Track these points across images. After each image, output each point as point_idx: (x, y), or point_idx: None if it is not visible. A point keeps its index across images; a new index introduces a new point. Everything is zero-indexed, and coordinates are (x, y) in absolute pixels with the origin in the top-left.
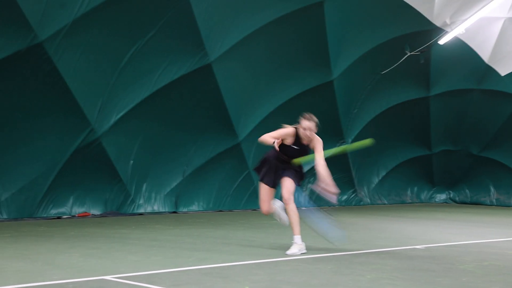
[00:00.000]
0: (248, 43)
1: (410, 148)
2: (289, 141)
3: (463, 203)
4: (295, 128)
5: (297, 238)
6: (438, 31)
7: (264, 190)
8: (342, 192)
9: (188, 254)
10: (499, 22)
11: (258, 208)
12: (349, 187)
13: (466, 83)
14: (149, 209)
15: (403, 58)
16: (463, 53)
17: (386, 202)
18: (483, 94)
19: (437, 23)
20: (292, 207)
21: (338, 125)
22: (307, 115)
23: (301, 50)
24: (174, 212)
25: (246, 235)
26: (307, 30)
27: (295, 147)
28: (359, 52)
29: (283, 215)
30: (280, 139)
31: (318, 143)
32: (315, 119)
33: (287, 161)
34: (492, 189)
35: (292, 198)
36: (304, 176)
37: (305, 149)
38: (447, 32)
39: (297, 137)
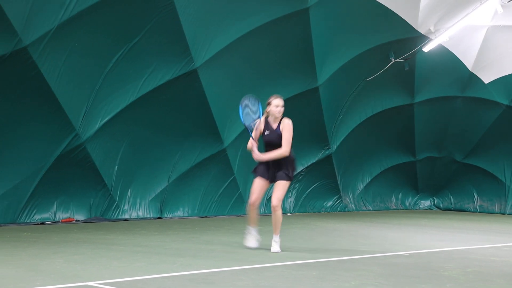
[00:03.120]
0: (234, 48)
1: (394, 154)
2: (262, 130)
3: (447, 209)
4: (264, 116)
5: (278, 237)
6: (423, 38)
7: (256, 182)
8: (327, 199)
9: (173, 260)
10: (483, 30)
11: (244, 214)
12: (334, 193)
13: (450, 91)
14: (133, 215)
15: (388, 65)
16: (447, 60)
17: (371, 209)
18: (467, 101)
19: (422, 30)
20: (279, 213)
21: (323, 131)
22: (273, 95)
23: (286, 56)
24: (159, 218)
25: (231, 241)
26: (292, 37)
27: (266, 132)
28: (344, 58)
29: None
30: (258, 134)
31: (286, 126)
32: (281, 96)
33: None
34: (475, 196)
35: (280, 205)
36: (294, 167)
37: (277, 132)
38: (431, 39)
39: (266, 123)
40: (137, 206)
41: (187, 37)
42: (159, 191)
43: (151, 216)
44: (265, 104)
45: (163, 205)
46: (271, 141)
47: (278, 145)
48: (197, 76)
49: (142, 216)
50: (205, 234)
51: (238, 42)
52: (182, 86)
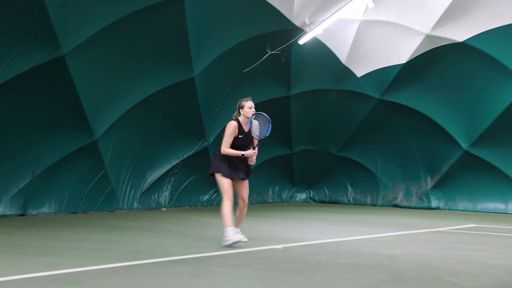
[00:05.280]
0: (106, 35)
1: (271, 147)
2: (236, 134)
3: (322, 202)
4: (235, 119)
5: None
6: (298, 31)
7: (228, 181)
8: (204, 192)
9: (36, 259)
10: (355, 24)
11: (116, 210)
12: (210, 187)
13: (324, 83)
14: None
15: (264, 57)
16: (322, 53)
17: (248, 202)
18: (341, 94)
19: (297, 23)
20: (246, 208)
21: (200, 124)
22: (244, 98)
23: (161, 45)
24: (22, 215)
25: (101, 238)
26: (167, 25)
27: (240, 136)
28: (221, 49)
29: (242, 238)
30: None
31: (255, 123)
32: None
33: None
34: (349, 188)
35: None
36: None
37: (249, 135)
38: (306, 32)
39: (239, 126)
40: None
41: (53, 21)
42: (22, 186)
43: (13, 213)
44: (236, 107)
45: (27, 201)
46: (243, 143)
47: (247, 147)
48: (65, 64)
49: (2, 213)
50: (73, 232)
51: (110, 29)
52: (48, 74)
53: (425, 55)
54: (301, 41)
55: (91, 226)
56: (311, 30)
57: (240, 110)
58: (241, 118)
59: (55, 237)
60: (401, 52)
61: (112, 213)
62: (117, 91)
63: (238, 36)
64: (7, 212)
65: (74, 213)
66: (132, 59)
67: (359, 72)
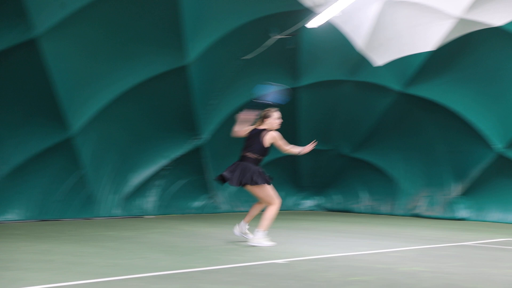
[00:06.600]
0: (84, 15)
1: (274, 146)
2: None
3: (333, 210)
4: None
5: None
6: (308, 12)
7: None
8: (194, 199)
9: None
10: (376, 4)
11: (93, 217)
12: (203, 191)
13: (338, 74)
14: None
15: (268, 43)
16: (336, 38)
17: (248, 210)
18: (357, 86)
19: (307, 3)
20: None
21: (192, 118)
22: (271, 108)
23: (150, 27)
24: None
25: (76, 250)
26: (157, 4)
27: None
28: (218, 33)
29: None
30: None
31: (279, 138)
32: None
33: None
34: (364, 194)
35: None
36: None
37: (262, 141)
38: (317, 14)
39: (258, 130)
40: None
41: None
42: None
43: None
44: (261, 115)
45: None
46: (253, 145)
47: (254, 151)
48: (36, 48)
49: None
50: (43, 242)
51: (89, 7)
52: (16, 59)
53: (457, 42)
54: (309, 24)
55: (64, 236)
56: (323, 11)
57: (265, 119)
58: (271, 124)
59: (21, 249)
60: (429, 38)
61: (89, 220)
62: (96, 79)
63: (239, 17)
64: None
65: (45, 220)
66: (115, 43)
67: (379, 61)
